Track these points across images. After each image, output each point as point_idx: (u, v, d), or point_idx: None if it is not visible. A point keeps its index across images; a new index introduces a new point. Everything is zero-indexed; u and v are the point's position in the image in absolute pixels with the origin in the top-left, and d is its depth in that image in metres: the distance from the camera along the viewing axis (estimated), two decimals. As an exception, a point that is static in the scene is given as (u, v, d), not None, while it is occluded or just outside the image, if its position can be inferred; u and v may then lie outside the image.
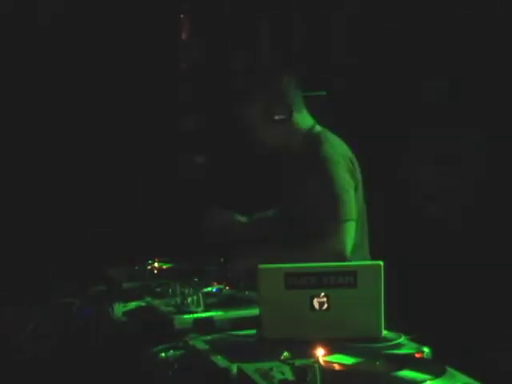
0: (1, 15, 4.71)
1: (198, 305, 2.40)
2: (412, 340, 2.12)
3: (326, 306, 2.13)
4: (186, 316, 2.35)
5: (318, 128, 2.90)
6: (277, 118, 2.80)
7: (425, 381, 1.78)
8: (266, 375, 1.83)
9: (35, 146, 4.75)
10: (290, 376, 1.80)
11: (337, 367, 1.89)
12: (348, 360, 1.92)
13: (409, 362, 1.90)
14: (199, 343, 2.18)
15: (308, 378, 1.74)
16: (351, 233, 2.64)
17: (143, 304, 2.66)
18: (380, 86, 4.80)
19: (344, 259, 2.60)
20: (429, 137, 4.43)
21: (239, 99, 2.94)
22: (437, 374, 1.80)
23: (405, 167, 4.50)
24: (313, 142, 2.82)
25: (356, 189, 2.78)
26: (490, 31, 4.45)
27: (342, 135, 4.75)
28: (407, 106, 4.70)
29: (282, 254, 2.62)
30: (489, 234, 4.28)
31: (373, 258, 2.18)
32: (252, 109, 2.85)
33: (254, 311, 2.27)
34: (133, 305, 2.69)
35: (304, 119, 2.90)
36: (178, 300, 2.43)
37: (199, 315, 2.36)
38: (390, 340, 2.10)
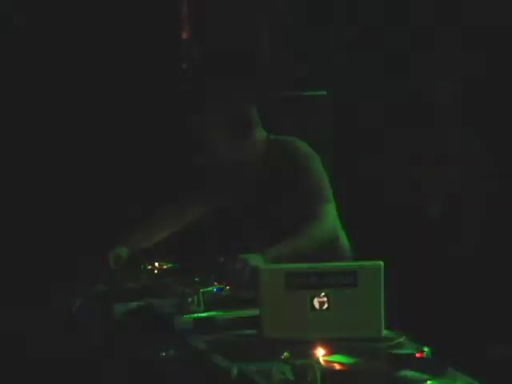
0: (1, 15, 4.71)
1: (199, 305, 2.40)
2: (412, 340, 2.12)
3: (326, 305, 2.13)
4: (187, 316, 2.36)
5: (272, 135, 3.05)
6: (236, 136, 2.93)
7: (425, 380, 1.78)
8: (266, 375, 1.83)
9: (34, 145, 4.75)
10: (290, 376, 1.80)
11: (337, 367, 1.89)
12: (348, 360, 1.93)
13: (409, 361, 1.91)
14: (200, 343, 2.18)
15: (308, 378, 1.74)
16: (335, 212, 2.90)
17: (144, 304, 2.66)
18: (379, 86, 4.80)
19: (335, 236, 2.89)
20: (428, 137, 4.43)
21: (198, 113, 3.01)
22: (437, 373, 1.81)
23: (404, 167, 4.50)
24: (277, 147, 2.99)
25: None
26: (491, 30, 4.46)
27: (342, 135, 4.78)
28: (406, 106, 4.71)
29: (291, 246, 2.74)
30: (488, 233, 4.29)
31: (373, 258, 2.19)
32: (211, 125, 2.94)
33: (255, 311, 2.27)
34: (133, 305, 2.69)
35: (261, 132, 3.02)
36: (179, 300, 2.43)
37: (200, 315, 2.36)
38: (391, 340, 2.10)
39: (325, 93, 4.70)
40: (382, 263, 2.13)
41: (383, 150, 4.69)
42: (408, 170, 4.46)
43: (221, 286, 2.65)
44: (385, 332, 2.15)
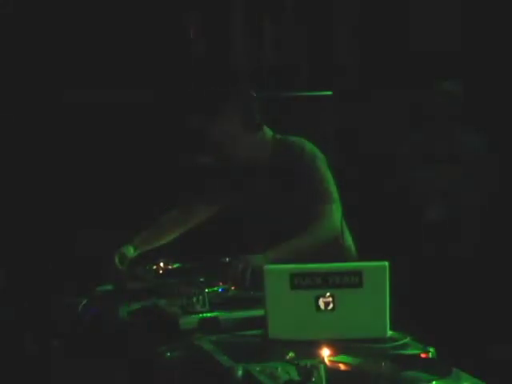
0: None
1: (204, 305, 2.40)
2: (417, 340, 2.12)
3: (331, 306, 2.13)
4: (192, 316, 2.36)
5: (278, 135, 3.06)
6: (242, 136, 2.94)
7: (430, 381, 1.78)
8: (271, 375, 1.83)
9: (34, 145, 4.75)
10: (295, 376, 1.80)
11: (342, 367, 1.90)
12: (353, 360, 1.93)
13: (414, 362, 1.91)
14: (205, 343, 2.18)
15: (313, 379, 1.74)
16: (339, 212, 2.91)
17: (148, 304, 2.66)
18: (379, 87, 4.81)
19: (338, 234, 2.90)
20: (429, 137, 4.43)
21: (208, 112, 3.02)
22: (443, 374, 1.81)
23: (404, 168, 4.50)
24: (283, 147, 3.00)
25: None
26: (492, 33, 4.46)
27: (342, 135, 4.78)
28: (406, 107, 4.72)
29: (293, 245, 2.76)
30: (490, 234, 4.29)
31: (377, 259, 2.19)
32: (220, 124, 2.95)
33: (260, 311, 2.27)
34: (138, 305, 2.69)
35: (266, 132, 3.04)
36: (184, 300, 2.44)
37: (204, 315, 2.36)
38: (396, 340, 2.10)
39: (330, 93, 4.71)
40: (387, 263, 2.13)
41: (383, 151, 4.70)
42: (408, 170, 4.46)
43: (226, 286, 2.65)
44: (390, 332, 2.15)
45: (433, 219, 4.34)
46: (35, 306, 3.18)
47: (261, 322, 2.21)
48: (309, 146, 2.98)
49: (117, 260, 2.99)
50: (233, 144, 2.95)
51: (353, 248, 3.07)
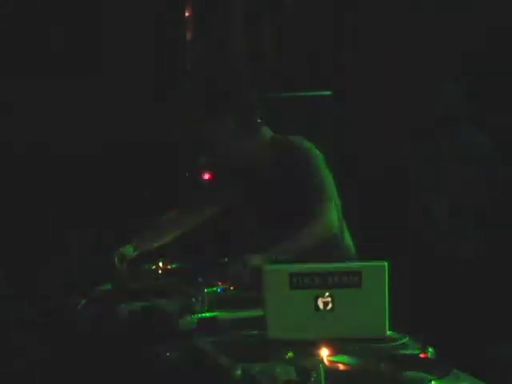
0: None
1: (203, 305, 2.40)
2: (416, 340, 2.12)
3: (330, 306, 2.13)
4: (191, 316, 2.36)
5: (278, 135, 3.04)
6: (241, 136, 2.92)
7: (429, 381, 1.78)
8: (270, 375, 1.83)
9: (35, 145, 4.76)
10: (294, 376, 1.80)
11: (341, 367, 1.90)
12: (352, 360, 1.93)
13: (413, 362, 1.91)
14: (204, 343, 2.18)
15: (312, 378, 1.74)
16: (335, 210, 2.88)
17: (148, 304, 2.66)
18: (381, 86, 4.80)
19: (335, 233, 2.85)
20: (429, 137, 4.43)
21: (206, 114, 3.00)
22: (441, 374, 1.81)
23: (405, 168, 4.50)
24: (281, 146, 2.98)
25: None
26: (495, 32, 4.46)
27: (342, 136, 4.78)
28: (409, 106, 4.71)
29: (292, 245, 2.74)
30: (489, 233, 4.28)
31: (376, 259, 2.19)
32: (220, 124, 2.94)
33: (259, 311, 2.27)
34: (137, 305, 2.69)
35: (266, 131, 3.02)
36: (183, 300, 2.44)
37: (204, 315, 2.36)
38: (395, 340, 2.10)
39: (329, 93, 4.70)
40: (385, 263, 2.13)
41: (385, 150, 4.69)
42: (409, 170, 4.46)
43: (225, 287, 2.65)
44: (389, 332, 2.15)
45: (434, 219, 4.33)
46: (35, 306, 3.18)
47: (260, 322, 2.21)
48: (307, 145, 2.97)
49: (117, 260, 2.98)
50: (229, 145, 2.95)
51: (352, 248, 3.07)
